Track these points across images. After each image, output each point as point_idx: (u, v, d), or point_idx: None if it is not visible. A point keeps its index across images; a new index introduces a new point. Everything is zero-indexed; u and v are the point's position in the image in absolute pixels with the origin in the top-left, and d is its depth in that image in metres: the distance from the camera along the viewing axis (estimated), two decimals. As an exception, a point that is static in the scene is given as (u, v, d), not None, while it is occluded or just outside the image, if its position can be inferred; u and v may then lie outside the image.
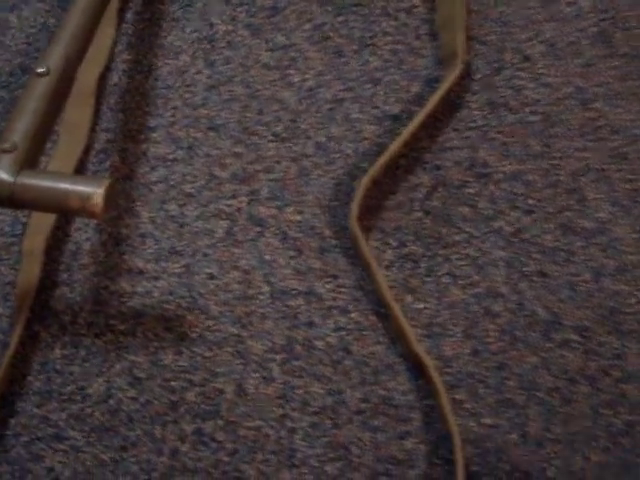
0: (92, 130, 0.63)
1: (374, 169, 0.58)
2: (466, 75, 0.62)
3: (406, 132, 0.58)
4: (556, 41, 0.64)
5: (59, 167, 0.61)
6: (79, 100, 0.63)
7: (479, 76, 0.63)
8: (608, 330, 0.55)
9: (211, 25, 0.67)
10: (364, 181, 0.57)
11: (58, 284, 0.59)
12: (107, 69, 0.65)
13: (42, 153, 0.52)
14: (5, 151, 0.49)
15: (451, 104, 0.62)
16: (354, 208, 0.57)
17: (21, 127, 0.50)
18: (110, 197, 0.47)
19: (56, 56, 0.54)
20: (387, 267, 0.57)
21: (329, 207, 0.59)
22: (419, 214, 0.59)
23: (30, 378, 0.57)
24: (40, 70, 0.52)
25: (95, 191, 0.46)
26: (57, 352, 0.57)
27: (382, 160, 0.58)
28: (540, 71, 0.62)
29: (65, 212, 0.50)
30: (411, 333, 0.55)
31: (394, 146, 0.58)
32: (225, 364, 0.56)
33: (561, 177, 0.59)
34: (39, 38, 0.69)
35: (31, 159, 0.50)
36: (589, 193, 0.59)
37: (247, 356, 0.56)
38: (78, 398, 0.56)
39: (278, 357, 0.56)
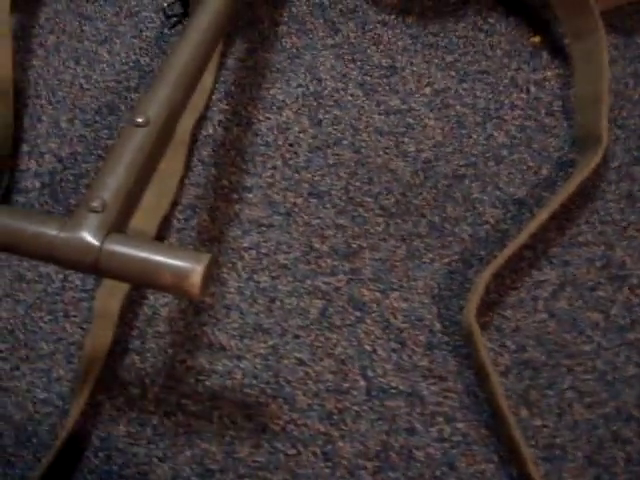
0: (181, 183, 0.58)
1: (497, 262, 0.51)
2: (604, 162, 0.55)
3: (535, 222, 0.52)
4: None
5: (142, 221, 0.56)
6: (170, 149, 0.58)
7: (617, 164, 0.56)
8: None
9: (319, 80, 0.62)
10: (485, 274, 0.51)
11: (129, 351, 0.53)
12: (202, 118, 0.60)
13: (133, 214, 0.47)
14: (93, 210, 0.43)
15: (585, 193, 0.55)
16: (472, 303, 0.50)
17: (113, 184, 0.45)
18: (208, 276, 0.42)
19: (157, 105, 0.48)
20: (503, 373, 0.50)
21: (441, 297, 0.53)
22: (543, 315, 0.52)
23: (88, 454, 0.51)
24: (139, 120, 0.47)
25: (194, 268, 0.40)
26: (121, 428, 0.51)
27: (507, 253, 0.51)
28: (688, 164, 0.56)
29: (155, 288, 0.44)
30: (527, 453, 0.47)
31: (521, 237, 0.51)
32: (309, 466, 0.49)
33: None
34: (130, 77, 0.65)
35: (121, 221, 0.45)
36: None
37: (335, 459, 0.49)
38: (139, 484, 0.50)
39: (371, 465, 0.49)
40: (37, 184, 0.62)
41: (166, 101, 0.49)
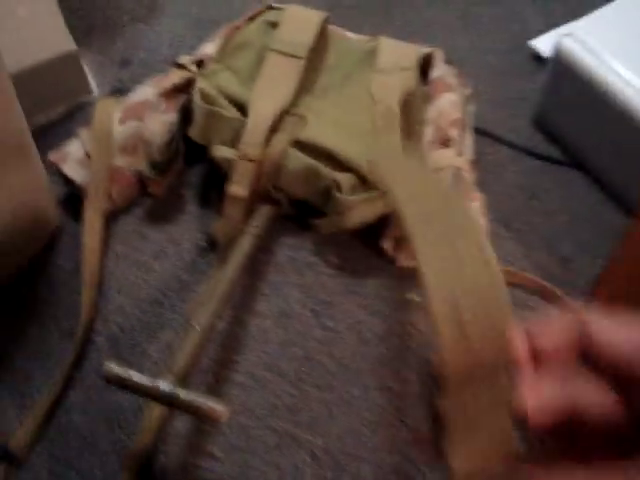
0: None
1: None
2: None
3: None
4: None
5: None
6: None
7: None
8: None
9: (289, 304, 1.02)
10: None
11: (157, 452, 0.90)
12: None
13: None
14: (171, 372, 0.82)
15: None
16: None
17: (181, 361, 0.84)
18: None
19: (205, 317, 0.89)
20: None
21: None
22: None
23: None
24: (195, 325, 0.87)
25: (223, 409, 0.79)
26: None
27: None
28: None
29: (198, 417, 0.83)
30: None
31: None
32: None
33: None
34: (172, 285, 1.04)
35: (183, 379, 0.84)
36: None
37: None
38: None
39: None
40: (104, 341, 0.99)
41: (211, 315, 0.89)
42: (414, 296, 1.05)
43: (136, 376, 0.81)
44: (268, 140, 1.03)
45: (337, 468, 0.89)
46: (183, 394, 0.81)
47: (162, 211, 1.13)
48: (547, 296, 1.04)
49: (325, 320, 1.02)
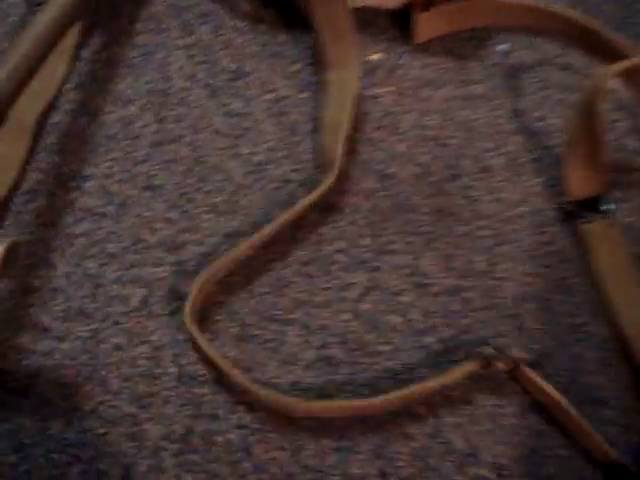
0: (23, 168, 0.59)
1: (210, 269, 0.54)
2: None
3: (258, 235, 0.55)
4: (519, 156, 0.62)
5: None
6: (14, 135, 0.59)
7: (433, 179, 0.61)
8: (526, 472, 0.52)
9: (168, 79, 0.63)
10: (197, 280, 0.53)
11: (-44, 328, 0.55)
12: (51, 107, 0.61)
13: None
14: None
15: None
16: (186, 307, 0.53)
17: None
18: (11, 258, 0.44)
19: None
20: (306, 367, 0.54)
21: (254, 292, 0.56)
22: (348, 315, 0.56)
23: None
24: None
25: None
26: (-59, 402, 0.53)
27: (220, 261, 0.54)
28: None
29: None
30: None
31: (239, 249, 0.55)
32: (116, 445, 0.51)
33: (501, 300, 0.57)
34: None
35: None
36: (529, 321, 0.56)
37: (141, 440, 0.51)
38: (-45, 458, 0.52)
39: (174, 447, 0.51)
40: None
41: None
42: (375, 56, 0.65)
43: None
44: None
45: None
46: None
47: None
48: (577, 37, 0.64)
49: (229, 100, 0.62)
